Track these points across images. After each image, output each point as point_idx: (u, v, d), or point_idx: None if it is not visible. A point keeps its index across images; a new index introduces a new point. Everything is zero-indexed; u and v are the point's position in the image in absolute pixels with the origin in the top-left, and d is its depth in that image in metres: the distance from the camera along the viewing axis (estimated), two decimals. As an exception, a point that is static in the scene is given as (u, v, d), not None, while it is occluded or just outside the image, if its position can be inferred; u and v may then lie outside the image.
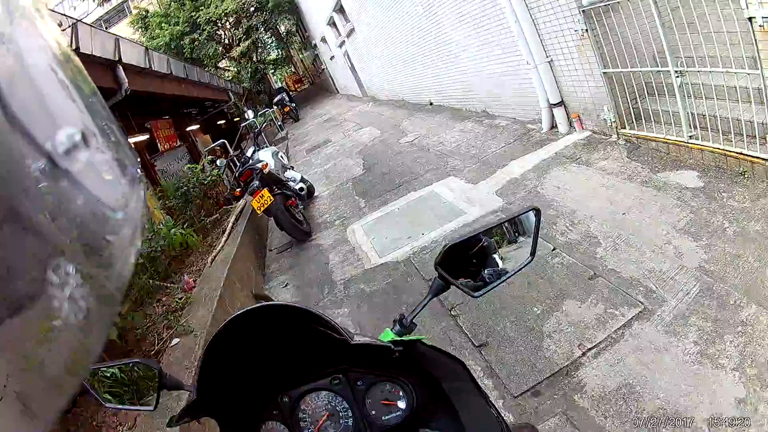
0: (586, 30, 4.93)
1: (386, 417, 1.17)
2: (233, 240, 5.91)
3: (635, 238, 3.73)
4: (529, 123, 7.03)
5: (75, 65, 0.45)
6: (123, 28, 34.64)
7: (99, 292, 0.37)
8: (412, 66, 11.57)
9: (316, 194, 8.31)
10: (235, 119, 23.40)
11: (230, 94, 22.09)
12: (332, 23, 18.95)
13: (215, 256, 5.39)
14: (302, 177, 7.90)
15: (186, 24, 25.75)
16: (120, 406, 1.28)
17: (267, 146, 8.57)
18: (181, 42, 26.71)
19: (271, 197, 5.99)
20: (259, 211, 6.03)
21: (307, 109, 27.56)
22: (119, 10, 39.09)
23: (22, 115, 0.33)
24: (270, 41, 32.35)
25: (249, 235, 6.53)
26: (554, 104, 6.11)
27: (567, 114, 6.08)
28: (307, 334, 1.11)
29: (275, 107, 24.27)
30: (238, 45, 27.28)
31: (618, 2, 4.47)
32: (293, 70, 55.48)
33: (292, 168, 8.38)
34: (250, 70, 27.69)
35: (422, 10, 9.06)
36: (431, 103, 11.50)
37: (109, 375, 1.28)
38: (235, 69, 28.10)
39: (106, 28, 37.14)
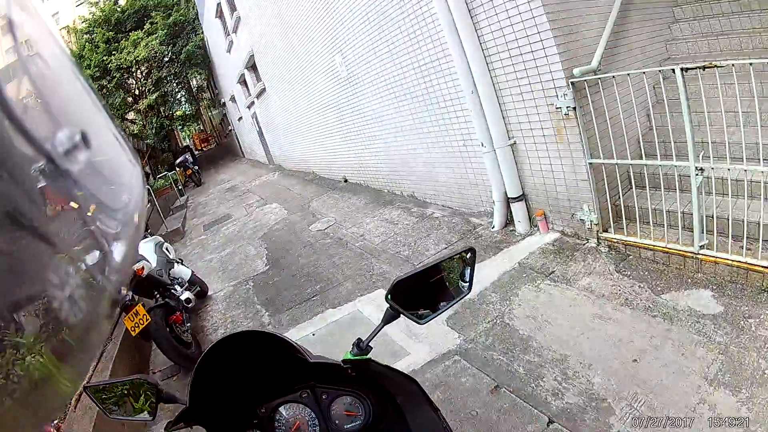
0: (573, 108, 3.72)
1: (348, 425, 1.34)
2: (104, 366, 4.26)
3: (657, 398, 2.69)
4: (473, 216, 5.69)
5: (75, 65, 0.48)
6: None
7: (99, 292, 0.40)
8: (327, 136, 10.10)
9: (209, 294, 6.37)
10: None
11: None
12: (243, 81, 17.42)
13: (79, 395, 3.45)
14: (192, 275, 5.96)
15: (97, 68, 23.13)
16: (124, 418, 1.40)
17: (148, 236, 6.38)
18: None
19: (147, 317, 4.22)
20: (133, 333, 4.20)
21: (211, 173, 25.40)
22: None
23: (23, 116, 0.33)
24: (180, 95, 30.08)
25: (125, 358, 4.62)
26: (513, 198, 4.80)
27: (528, 210, 4.80)
28: (278, 354, 1.31)
29: (177, 169, 22.05)
30: (146, 97, 24.94)
31: (626, 74, 3.33)
32: (201, 128, 52.69)
33: (181, 262, 6.33)
34: (155, 125, 25.20)
35: (345, 72, 7.66)
36: (346, 180, 10.11)
37: (115, 391, 1.37)
38: (141, 123, 25.50)
39: None
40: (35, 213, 0.33)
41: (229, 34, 15.96)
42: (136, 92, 24.90)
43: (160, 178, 21.24)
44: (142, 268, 4.66)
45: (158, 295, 4.79)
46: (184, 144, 39.25)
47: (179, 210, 15.54)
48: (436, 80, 5.27)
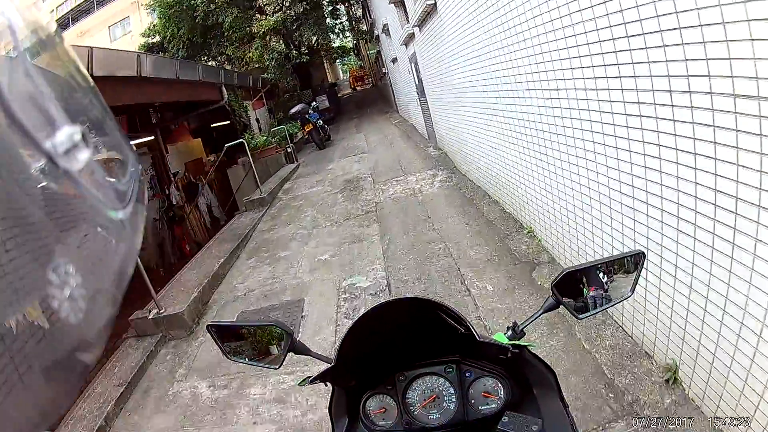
0: None
1: (483, 407, 1.29)
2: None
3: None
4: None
5: (76, 64, 0.46)
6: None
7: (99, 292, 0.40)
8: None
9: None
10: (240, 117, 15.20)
11: (223, 91, 13.76)
12: (399, 1, 10.20)
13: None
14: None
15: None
16: (246, 362, 1.36)
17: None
18: (193, 2, 18.71)
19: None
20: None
21: (351, 127, 18.89)
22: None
23: (23, 115, 0.33)
24: (332, 22, 23.75)
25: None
26: None
27: None
28: (433, 322, 1.23)
29: (294, 122, 16.02)
30: (278, 11, 18.96)
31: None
32: (361, 64, 46.60)
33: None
34: (275, 56, 19.05)
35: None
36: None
37: (242, 333, 1.36)
38: (257, 51, 19.47)
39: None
40: (35, 213, 0.34)
41: None
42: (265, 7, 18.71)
43: (271, 132, 15.22)
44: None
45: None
46: (330, 82, 33.25)
47: (250, 212, 9.16)
48: None
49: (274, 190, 10.18)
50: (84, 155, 0.38)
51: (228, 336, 1.37)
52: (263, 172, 13.12)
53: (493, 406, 1.28)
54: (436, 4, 6.24)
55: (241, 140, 9.59)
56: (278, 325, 1.31)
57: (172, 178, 13.42)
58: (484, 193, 6.20)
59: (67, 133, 0.37)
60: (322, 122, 15.71)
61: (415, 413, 1.33)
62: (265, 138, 14.17)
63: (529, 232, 4.72)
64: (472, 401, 1.30)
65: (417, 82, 10.22)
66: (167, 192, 13.16)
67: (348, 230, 6.47)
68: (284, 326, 1.30)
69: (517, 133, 4.25)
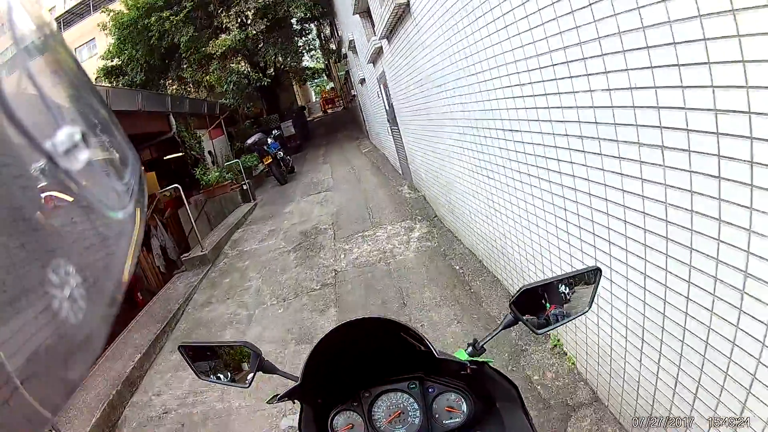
0: None
1: (447, 421, 1.32)
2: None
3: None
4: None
5: (75, 63, 0.45)
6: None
7: (99, 291, 0.39)
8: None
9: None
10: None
11: (171, 120, 12.01)
12: (365, 9, 8.66)
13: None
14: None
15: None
16: (215, 381, 1.37)
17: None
18: (148, 22, 16.96)
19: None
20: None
21: (317, 156, 17.25)
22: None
23: (23, 115, 0.33)
24: (300, 42, 21.93)
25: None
26: None
27: None
28: (396, 340, 1.24)
29: (251, 153, 14.34)
30: (246, 26, 17.28)
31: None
32: (332, 85, 44.99)
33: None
34: (233, 78, 17.23)
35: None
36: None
37: (212, 353, 1.37)
38: (215, 75, 17.56)
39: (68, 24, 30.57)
40: (35, 213, 0.33)
41: None
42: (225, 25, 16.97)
43: (225, 166, 13.42)
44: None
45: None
46: (299, 105, 31.45)
47: (189, 273, 7.53)
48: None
49: (220, 242, 8.42)
50: (92, 154, 0.38)
51: (200, 356, 1.39)
52: (218, 213, 11.41)
53: (458, 419, 1.31)
54: (408, 2, 4.61)
55: (176, 186, 7.81)
56: (246, 345, 1.32)
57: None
58: (480, 264, 4.55)
59: (75, 132, 0.36)
60: (282, 154, 13.91)
61: (382, 429, 1.34)
62: (218, 173, 12.37)
63: (555, 347, 3.11)
64: (437, 416, 1.33)
65: (387, 107, 8.56)
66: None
67: (298, 316, 4.76)
68: (252, 346, 1.32)
69: (538, 187, 2.64)
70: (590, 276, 1.29)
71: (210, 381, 1.38)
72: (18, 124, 0.32)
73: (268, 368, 1.33)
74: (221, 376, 1.37)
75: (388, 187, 8.92)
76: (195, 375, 1.39)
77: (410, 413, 1.34)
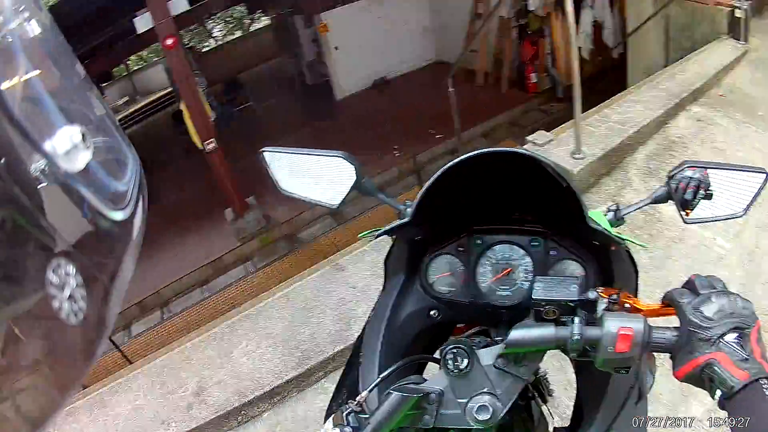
0: None
1: None
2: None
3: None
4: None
5: (75, 62, 0.46)
6: None
7: (100, 291, 0.38)
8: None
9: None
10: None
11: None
12: None
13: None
14: None
15: None
16: (299, 196, 1.17)
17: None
18: None
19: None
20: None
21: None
22: None
23: (23, 116, 0.32)
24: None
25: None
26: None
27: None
28: (526, 183, 0.99)
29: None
30: None
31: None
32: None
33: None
34: None
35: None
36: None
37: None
38: None
39: None
40: (35, 213, 0.31)
41: None
42: None
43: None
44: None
45: None
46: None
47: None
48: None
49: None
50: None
51: (284, 165, 1.17)
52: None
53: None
54: None
55: None
56: (344, 156, 1.09)
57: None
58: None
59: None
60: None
61: (483, 285, 1.09)
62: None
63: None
64: None
65: None
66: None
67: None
68: (351, 159, 1.09)
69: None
70: (754, 177, 1.08)
71: (293, 195, 1.19)
72: (22, 129, 0.31)
73: (366, 189, 1.11)
74: (308, 191, 1.17)
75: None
76: (277, 186, 1.19)
77: (521, 275, 1.09)
